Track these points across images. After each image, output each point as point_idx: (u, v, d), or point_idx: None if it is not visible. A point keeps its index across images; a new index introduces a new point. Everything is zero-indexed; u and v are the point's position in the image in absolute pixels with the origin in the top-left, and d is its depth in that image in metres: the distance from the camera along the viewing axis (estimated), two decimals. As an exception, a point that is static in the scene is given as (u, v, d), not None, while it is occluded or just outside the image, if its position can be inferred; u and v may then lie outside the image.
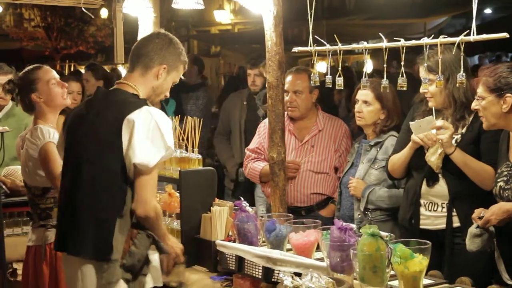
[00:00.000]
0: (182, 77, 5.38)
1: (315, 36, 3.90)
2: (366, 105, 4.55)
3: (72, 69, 19.08)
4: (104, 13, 16.69)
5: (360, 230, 2.97)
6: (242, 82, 6.57)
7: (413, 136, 4.05)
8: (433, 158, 3.95)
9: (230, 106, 6.68)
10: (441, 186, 4.05)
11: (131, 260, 3.14)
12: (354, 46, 3.88)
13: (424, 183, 4.11)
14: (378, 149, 4.54)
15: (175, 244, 3.39)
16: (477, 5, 3.22)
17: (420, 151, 4.12)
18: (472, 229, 3.54)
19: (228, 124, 6.61)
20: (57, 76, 4.28)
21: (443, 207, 4.06)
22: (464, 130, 4.00)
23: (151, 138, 3.08)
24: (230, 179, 6.50)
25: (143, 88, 3.27)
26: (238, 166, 6.33)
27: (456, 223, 4.03)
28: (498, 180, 3.55)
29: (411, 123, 4.04)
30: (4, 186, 5.17)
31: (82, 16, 18.75)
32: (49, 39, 19.98)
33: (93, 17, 5.25)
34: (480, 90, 3.63)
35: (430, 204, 4.10)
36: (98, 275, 3.12)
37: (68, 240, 3.19)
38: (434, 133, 3.92)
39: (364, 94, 4.54)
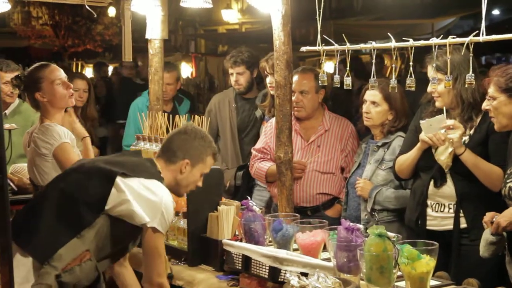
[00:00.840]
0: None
1: (324, 35, 3.89)
2: (374, 106, 4.54)
3: (79, 67, 19.14)
4: (111, 11, 16.72)
5: (367, 231, 2.97)
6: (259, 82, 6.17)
7: (422, 136, 4.04)
8: (442, 157, 3.94)
9: (216, 110, 6.08)
10: (449, 187, 4.04)
11: (69, 277, 3.09)
12: (362, 46, 3.86)
13: (431, 183, 4.10)
14: (386, 149, 4.53)
15: None
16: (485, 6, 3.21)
17: (428, 152, 4.12)
18: (488, 236, 3.52)
19: (216, 130, 6.00)
20: (63, 75, 4.25)
21: (450, 208, 4.05)
22: (472, 132, 3.98)
23: (144, 200, 3.17)
24: (228, 194, 5.74)
25: (166, 175, 3.36)
26: (235, 174, 5.88)
27: (463, 224, 4.02)
28: (508, 181, 3.53)
29: (421, 121, 4.02)
30: (11, 184, 5.18)
31: (89, 15, 18.76)
32: (56, 37, 20.03)
33: (95, 15, 5.25)
34: (492, 90, 3.61)
35: (437, 205, 4.09)
36: (32, 272, 3.09)
37: (23, 231, 3.17)
38: (444, 132, 3.91)
39: (372, 94, 4.53)
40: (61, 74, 4.24)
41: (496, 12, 20.42)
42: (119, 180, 3.16)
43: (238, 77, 5.92)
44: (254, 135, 5.77)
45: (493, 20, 19.45)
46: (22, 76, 4.21)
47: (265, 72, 5.45)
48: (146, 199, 3.15)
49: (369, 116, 4.56)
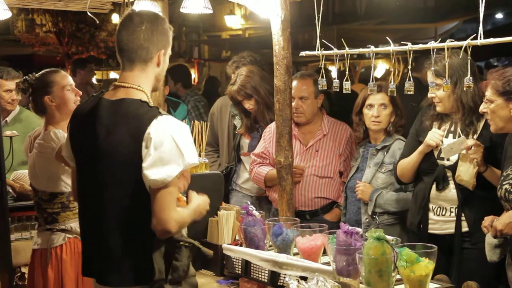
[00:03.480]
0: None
1: (323, 40, 3.90)
2: (383, 108, 4.55)
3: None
4: (115, 18, 16.75)
5: (366, 234, 2.96)
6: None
7: (428, 140, 4.05)
8: (466, 177, 3.92)
9: (218, 114, 5.89)
10: (451, 191, 4.04)
11: (177, 274, 2.98)
12: (361, 50, 3.86)
13: (433, 187, 4.10)
14: (385, 153, 4.54)
15: (204, 209, 3.20)
16: (488, 10, 3.21)
17: (430, 155, 4.12)
18: (492, 240, 3.52)
19: (216, 133, 5.81)
20: (72, 82, 4.27)
21: (451, 212, 4.05)
22: (475, 137, 3.97)
23: (166, 154, 2.80)
24: None
25: (147, 82, 3.02)
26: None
27: (464, 228, 4.01)
28: (504, 182, 3.52)
29: (442, 147, 4.02)
30: (11, 191, 5.19)
31: (93, 21, 18.71)
32: (60, 44, 20.02)
33: (97, 21, 5.20)
34: (489, 93, 3.62)
35: (439, 209, 4.10)
36: None
37: (104, 271, 2.99)
38: (465, 153, 3.89)
39: (380, 98, 4.54)
40: (71, 80, 4.27)
41: (499, 15, 20.42)
42: (144, 136, 2.84)
43: None
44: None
45: (496, 24, 19.46)
46: (30, 80, 4.20)
47: (240, 98, 5.35)
48: (160, 152, 2.81)
49: (379, 120, 4.56)
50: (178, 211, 2.92)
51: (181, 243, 3.01)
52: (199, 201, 3.15)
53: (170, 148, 2.81)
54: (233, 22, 23.01)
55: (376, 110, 4.55)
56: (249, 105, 5.31)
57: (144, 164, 2.80)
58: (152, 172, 2.79)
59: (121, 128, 2.89)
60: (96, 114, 2.98)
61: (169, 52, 3.10)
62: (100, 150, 2.93)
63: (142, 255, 2.92)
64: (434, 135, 4.07)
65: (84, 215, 3.10)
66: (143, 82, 3.01)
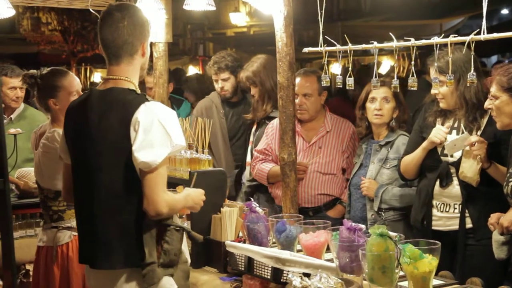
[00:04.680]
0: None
1: (327, 36, 3.89)
2: (386, 102, 4.55)
3: (88, 72, 19.21)
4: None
5: (369, 230, 2.95)
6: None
7: (432, 137, 4.04)
8: (470, 174, 3.91)
9: (204, 116, 5.53)
10: (454, 187, 4.03)
11: (168, 257, 3.04)
12: (364, 46, 3.85)
13: (437, 184, 4.09)
14: (389, 148, 4.53)
15: (196, 198, 3.30)
16: (493, 6, 3.20)
17: (433, 152, 4.11)
18: (498, 237, 3.51)
19: None
20: (80, 87, 4.25)
21: (455, 208, 4.05)
22: (479, 134, 3.96)
23: (154, 137, 2.91)
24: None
25: (135, 73, 3.16)
26: (233, 182, 5.69)
27: (468, 224, 4.00)
28: (510, 179, 3.51)
29: (446, 144, 4.01)
30: (15, 188, 5.20)
31: (98, 19, 18.65)
32: (65, 42, 20.05)
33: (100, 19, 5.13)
34: (494, 90, 3.60)
35: (442, 205, 4.09)
36: (137, 281, 3.02)
37: (96, 255, 3.06)
38: (468, 149, 3.88)
39: (383, 91, 4.55)
40: (78, 84, 4.26)
41: (505, 11, 20.36)
42: (132, 121, 2.96)
43: (223, 83, 5.78)
44: (246, 139, 5.69)
45: (502, 19, 19.38)
46: (38, 78, 4.18)
47: (247, 84, 5.42)
48: (148, 135, 2.92)
49: (381, 113, 4.57)
50: (169, 194, 3.03)
51: (171, 226, 3.07)
52: (190, 191, 3.28)
53: (158, 131, 2.93)
54: (238, 19, 23.02)
55: (378, 103, 4.56)
56: (254, 91, 5.39)
57: (133, 147, 2.91)
58: (142, 154, 2.90)
59: (111, 114, 3.01)
60: (87, 104, 3.11)
61: (148, 41, 3.22)
62: (92, 136, 3.05)
63: (132, 238, 3.00)
64: (439, 132, 4.06)
65: (79, 202, 3.20)
66: (131, 74, 3.15)
